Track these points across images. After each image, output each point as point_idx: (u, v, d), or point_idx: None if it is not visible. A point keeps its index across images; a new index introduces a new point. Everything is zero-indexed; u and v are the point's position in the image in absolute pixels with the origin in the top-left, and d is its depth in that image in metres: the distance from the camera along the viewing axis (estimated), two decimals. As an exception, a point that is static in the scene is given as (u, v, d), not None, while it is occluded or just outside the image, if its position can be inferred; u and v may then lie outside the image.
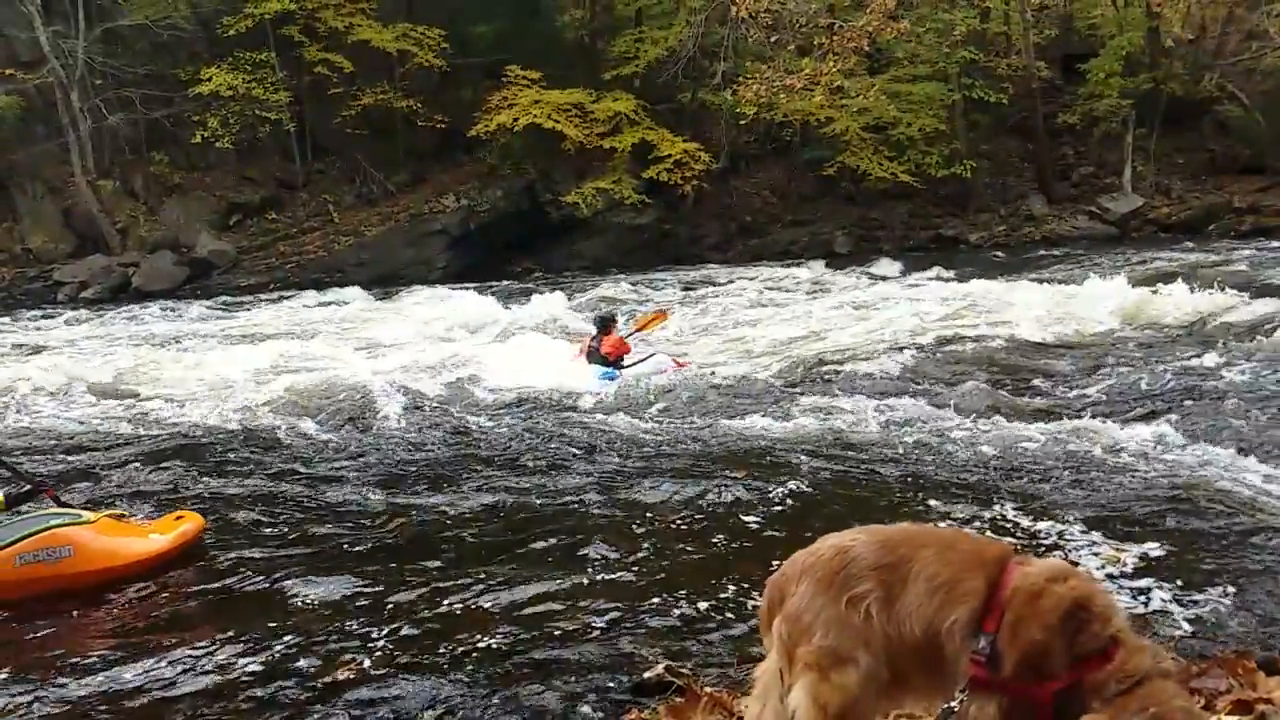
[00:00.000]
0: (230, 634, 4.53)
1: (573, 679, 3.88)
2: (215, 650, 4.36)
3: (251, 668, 4.17)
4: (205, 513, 6.03)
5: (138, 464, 7.73)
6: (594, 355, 11.49)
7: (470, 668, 4.05)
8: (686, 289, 19.47)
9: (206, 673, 4.15)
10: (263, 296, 22.44)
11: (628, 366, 11.24)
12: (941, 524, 5.46)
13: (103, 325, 18.71)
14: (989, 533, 5.28)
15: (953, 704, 2.48)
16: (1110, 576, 4.66)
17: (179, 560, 5.53)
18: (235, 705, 3.87)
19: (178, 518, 5.84)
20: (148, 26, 26.52)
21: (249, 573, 5.35)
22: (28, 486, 5.59)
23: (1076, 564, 4.77)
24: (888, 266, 20.94)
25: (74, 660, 4.40)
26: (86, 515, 5.52)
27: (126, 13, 26.63)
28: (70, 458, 8.07)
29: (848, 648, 2.35)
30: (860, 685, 2.34)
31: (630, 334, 12.21)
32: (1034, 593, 2.30)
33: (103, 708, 3.93)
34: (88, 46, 25.63)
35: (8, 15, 25.99)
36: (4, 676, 4.26)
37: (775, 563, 4.94)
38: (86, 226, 26.28)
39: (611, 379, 10.91)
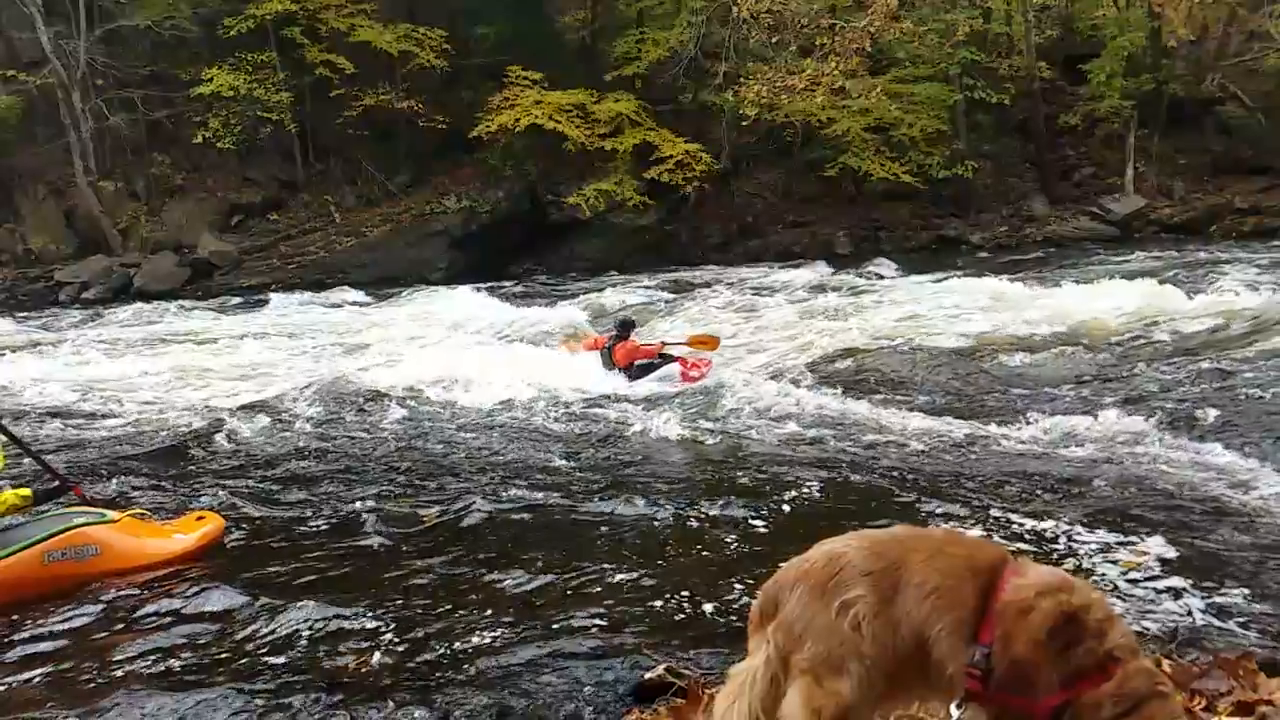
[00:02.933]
0: (239, 632, 4.56)
1: (574, 680, 3.88)
2: (225, 648, 4.39)
3: (258, 666, 4.18)
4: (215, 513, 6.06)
5: (144, 464, 7.76)
6: (605, 357, 11.49)
7: (471, 668, 4.05)
8: (687, 289, 19.45)
9: (216, 670, 4.18)
10: (263, 297, 22.43)
11: (637, 375, 11.19)
12: (950, 526, 5.45)
13: (104, 326, 18.73)
14: (997, 536, 5.27)
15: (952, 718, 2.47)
16: (1128, 581, 4.64)
17: (197, 560, 5.57)
18: (238, 703, 3.87)
19: (199, 518, 5.89)
20: (149, 27, 26.56)
21: (258, 573, 5.38)
22: (56, 483, 5.63)
23: (1091, 568, 4.77)
24: (889, 267, 20.93)
25: (91, 655, 4.44)
26: (110, 515, 5.57)
27: (128, 13, 26.65)
28: (75, 457, 8.09)
29: (840, 656, 2.34)
30: (854, 693, 2.34)
31: (672, 344, 11.96)
32: (1023, 608, 2.28)
33: (116, 703, 3.95)
34: (89, 47, 25.68)
35: (9, 16, 26.05)
36: (24, 670, 4.31)
37: (779, 564, 4.96)
38: (88, 227, 26.32)
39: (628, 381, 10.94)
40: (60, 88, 25.46)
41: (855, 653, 2.34)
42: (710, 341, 12.33)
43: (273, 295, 22.44)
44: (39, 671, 4.31)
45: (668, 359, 11.43)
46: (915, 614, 2.35)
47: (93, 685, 4.13)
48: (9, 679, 4.25)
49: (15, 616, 4.92)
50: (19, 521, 5.35)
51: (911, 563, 2.40)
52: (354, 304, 20.58)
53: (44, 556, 5.19)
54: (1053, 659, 2.24)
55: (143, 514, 5.87)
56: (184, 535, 5.64)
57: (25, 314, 21.33)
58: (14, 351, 15.11)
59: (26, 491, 5.47)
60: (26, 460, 5.74)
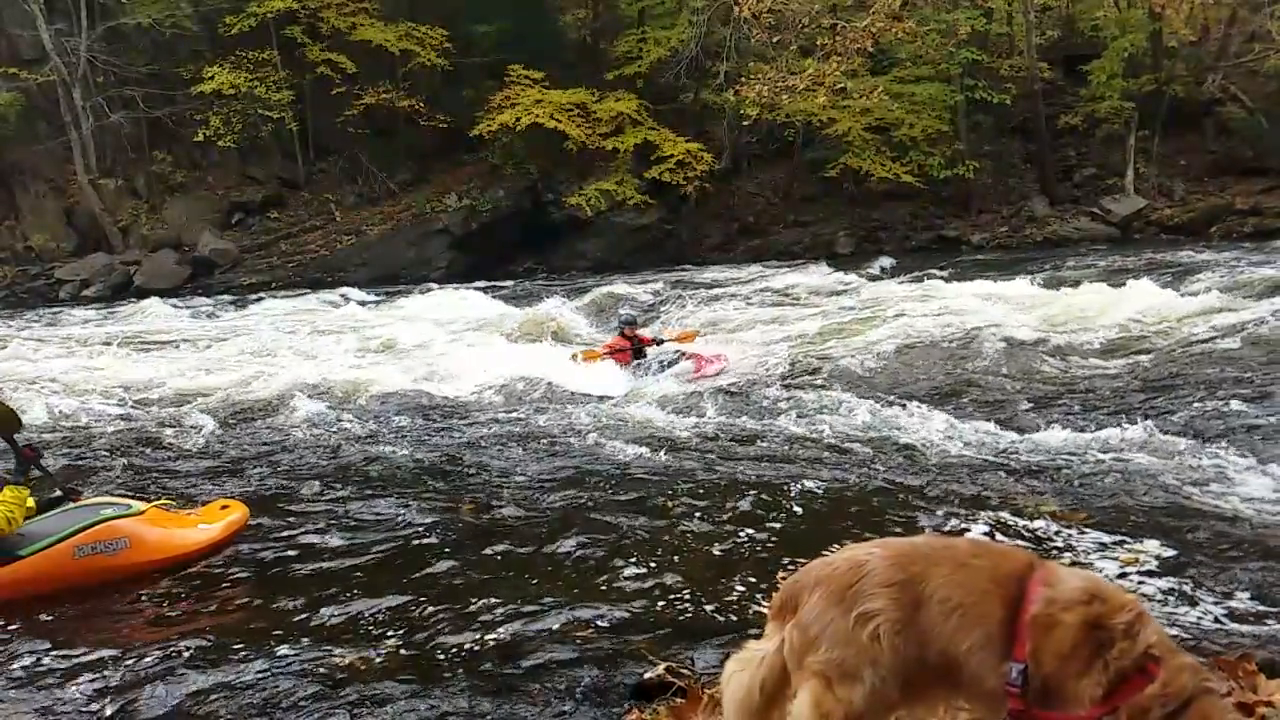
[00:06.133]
0: (246, 628, 4.61)
1: (574, 679, 3.88)
2: (232, 645, 4.42)
3: (262, 664, 4.20)
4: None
5: (150, 458, 7.79)
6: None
7: (471, 668, 4.06)
8: (687, 289, 19.44)
9: (222, 668, 4.20)
10: (263, 295, 22.44)
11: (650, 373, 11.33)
12: (948, 527, 5.46)
13: (105, 323, 18.72)
14: (996, 535, 5.27)
15: None
16: (1120, 577, 4.65)
17: (220, 550, 5.61)
18: (238, 701, 3.88)
19: (223, 507, 5.89)
20: (150, 25, 26.57)
21: (266, 567, 5.43)
22: (58, 492, 5.62)
23: (1088, 565, 4.78)
24: (889, 267, 20.93)
25: (104, 647, 4.49)
26: (136, 506, 5.58)
27: (129, 11, 26.66)
28: (79, 452, 8.10)
29: (854, 664, 2.33)
30: (864, 701, 2.33)
31: (664, 339, 12.24)
32: (1047, 624, 2.25)
33: (124, 699, 3.97)
34: (90, 44, 25.70)
35: (10, 13, 26.06)
36: (41, 662, 4.38)
37: (778, 562, 4.96)
38: (88, 225, 26.34)
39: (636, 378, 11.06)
40: (61, 85, 25.48)
41: (870, 663, 2.33)
42: (688, 336, 12.54)
43: (272, 293, 22.45)
44: (52, 664, 4.36)
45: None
46: (940, 631, 2.32)
47: (101, 681, 4.15)
48: (31, 671, 4.29)
49: (39, 610, 4.96)
50: (48, 515, 5.36)
51: (934, 576, 2.36)
52: (355, 303, 20.57)
53: (75, 550, 5.22)
54: (1082, 671, 2.20)
55: (168, 504, 5.89)
56: (209, 525, 5.65)
57: (25, 311, 21.32)
58: (11, 350, 15.10)
59: (31, 502, 5.45)
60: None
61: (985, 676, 2.30)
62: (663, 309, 17.29)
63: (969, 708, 2.51)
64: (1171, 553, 4.94)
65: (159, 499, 6.02)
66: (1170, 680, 2.14)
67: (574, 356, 11.88)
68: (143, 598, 5.12)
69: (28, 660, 4.40)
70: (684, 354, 11.56)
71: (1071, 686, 2.21)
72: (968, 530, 5.37)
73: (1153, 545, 5.02)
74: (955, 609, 2.32)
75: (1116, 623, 2.22)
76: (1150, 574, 4.70)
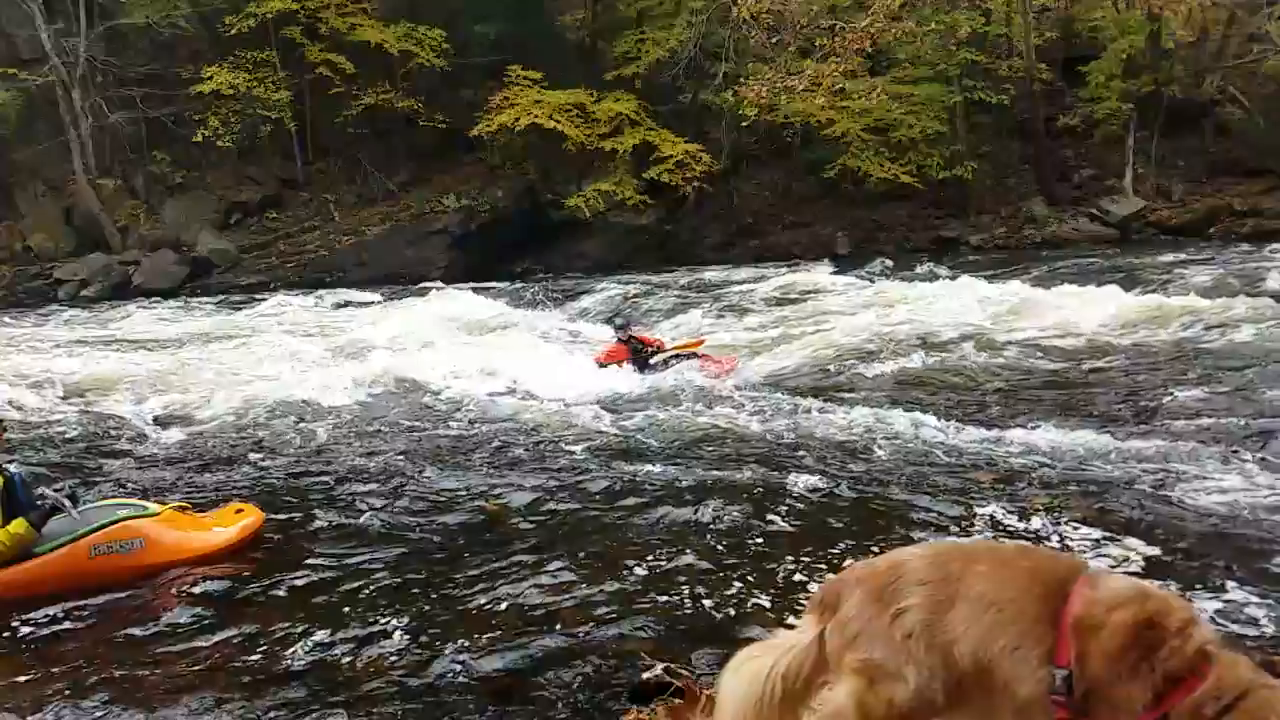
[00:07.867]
0: (252, 629, 4.64)
1: (572, 680, 3.89)
2: (240, 646, 4.45)
3: (267, 664, 4.22)
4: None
5: (157, 460, 7.79)
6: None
7: (471, 669, 4.06)
8: (686, 289, 19.46)
9: (227, 668, 4.24)
10: (261, 295, 22.43)
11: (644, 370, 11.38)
12: (944, 525, 5.47)
13: (104, 324, 18.71)
14: (988, 534, 5.28)
15: None
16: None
17: (234, 554, 5.62)
18: (241, 705, 3.88)
19: (237, 511, 5.92)
20: (149, 25, 26.58)
21: (267, 571, 5.43)
22: (50, 504, 5.61)
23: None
24: (888, 268, 20.92)
25: (108, 647, 4.52)
26: (151, 507, 5.62)
27: (129, 11, 26.68)
28: (81, 453, 8.10)
29: (894, 664, 2.28)
30: (908, 702, 2.27)
31: (670, 350, 12.24)
32: (1093, 624, 2.16)
33: (126, 699, 3.98)
34: (89, 45, 25.71)
35: (9, 13, 26.07)
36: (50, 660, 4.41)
37: (776, 563, 4.97)
38: (87, 225, 26.33)
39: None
40: (60, 85, 25.49)
41: (910, 662, 2.28)
42: (694, 345, 12.51)
43: (271, 293, 22.44)
44: (58, 664, 4.37)
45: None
46: (972, 629, 2.25)
47: (103, 681, 4.17)
48: (38, 671, 4.31)
49: (52, 609, 4.97)
50: (64, 514, 5.38)
51: (971, 575, 2.31)
52: (357, 302, 20.57)
53: (90, 550, 5.26)
54: (1133, 672, 2.11)
55: (183, 506, 5.91)
56: (223, 528, 5.69)
57: (23, 311, 21.30)
58: (11, 349, 15.10)
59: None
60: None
61: (1021, 680, 2.21)
62: (661, 310, 17.28)
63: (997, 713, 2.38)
64: (1161, 552, 4.96)
65: (173, 501, 6.03)
66: (1224, 675, 2.07)
67: (595, 360, 11.82)
68: (151, 599, 5.12)
69: (34, 660, 4.42)
70: (694, 355, 11.55)
71: (1121, 692, 2.12)
72: (964, 528, 5.39)
73: (1141, 544, 5.03)
74: (989, 607, 2.25)
75: (1170, 621, 2.13)
76: (1140, 574, 4.71)
